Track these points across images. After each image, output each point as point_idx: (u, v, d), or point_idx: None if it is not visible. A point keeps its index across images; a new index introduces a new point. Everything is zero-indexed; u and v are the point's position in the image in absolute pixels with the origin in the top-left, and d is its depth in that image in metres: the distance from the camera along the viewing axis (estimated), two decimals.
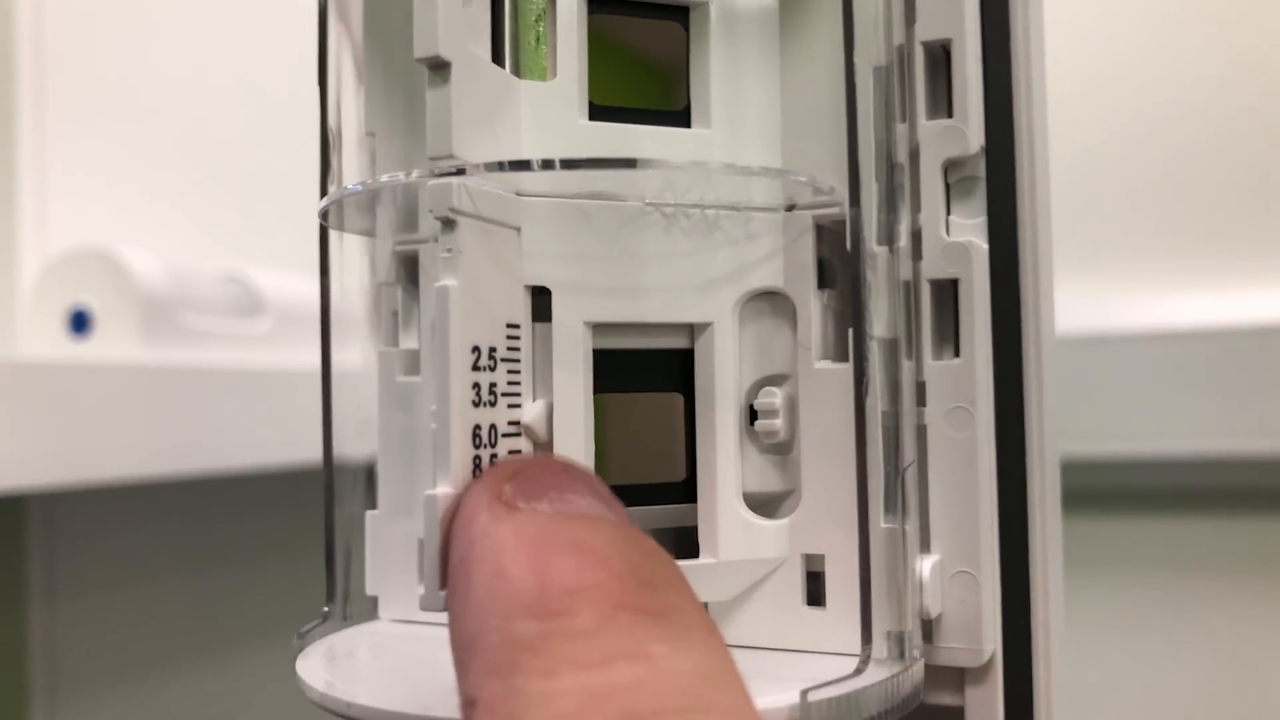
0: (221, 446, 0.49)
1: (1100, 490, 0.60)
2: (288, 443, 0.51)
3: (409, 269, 0.23)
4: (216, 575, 0.58)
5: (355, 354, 0.24)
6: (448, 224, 0.17)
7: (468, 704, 0.13)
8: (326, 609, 0.23)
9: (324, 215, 0.21)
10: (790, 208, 0.20)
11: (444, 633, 0.22)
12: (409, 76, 0.22)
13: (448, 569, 0.15)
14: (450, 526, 0.15)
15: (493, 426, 0.17)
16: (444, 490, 0.16)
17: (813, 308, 0.20)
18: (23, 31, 0.56)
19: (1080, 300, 0.58)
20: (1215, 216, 0.60)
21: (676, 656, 0.13)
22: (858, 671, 0.18)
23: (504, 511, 0.14)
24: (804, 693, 0.16)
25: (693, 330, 0.20)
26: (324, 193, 0.21)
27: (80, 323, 0.52)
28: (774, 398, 0.20)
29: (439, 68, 0.17)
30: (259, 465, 0.50)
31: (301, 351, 0.58)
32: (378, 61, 0.23)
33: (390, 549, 0.23)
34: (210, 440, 0.48)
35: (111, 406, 0.44)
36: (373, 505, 0.23)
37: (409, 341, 0.23)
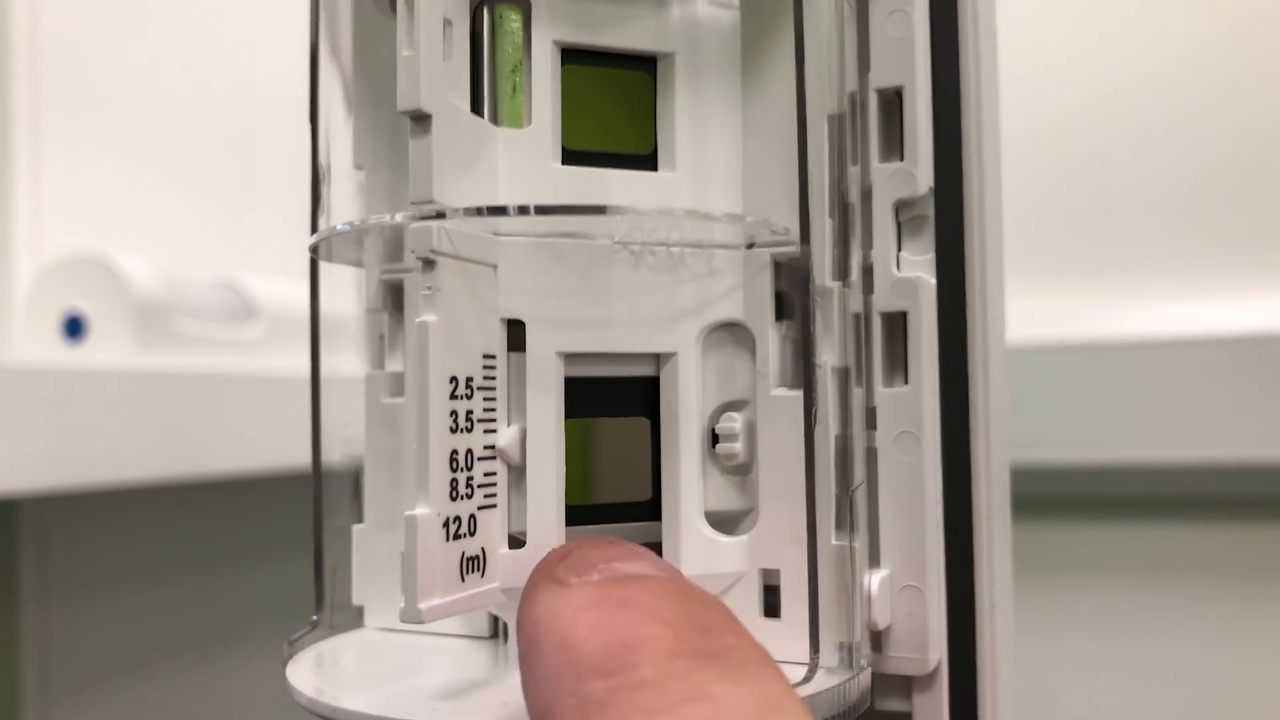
0: (214, 451, 0.50)
1: (1088, 497, 0.62)
2: (280, 448, 0.52)
3: (395, 296, 0.24)
4: (208, 579, 0.60)
5: (347, 363, 0.25)
6: (428, 264, 0.18)
7: None
8: (315, 617, 0.24)
9: (314, 249, 0.22)
10: (750, 245, 0.21)
11: (427, 640, 0.23)
12: (395, 113, 0.24)
13: (519, 659, 0.16)
14: (516, 619, 0.16)
15: (469, 451, 0.19)
16: (423, 511, 0.18)
17: (770, 338, 0.21)
18: (18, 35, 0.57)
19: (1068, 308, 0.59)
20: (1197, 224, 0.61)
21: (737, 693, 0.14)
22: (806, 679, 0.19)
23: (560, 589, 0.16)
24: None
25: (658, 359, 0.21)
26: (314, 226, 0.23)
27: (74, 328, 0.53)
28: (734, 422, 0.21)
29: (421, 119, 0.18)
30: (251, 470, 0.51)
31: (294, 357, 0.58)
32: (366, 99, 0.24)
33: (375, 561, 0.24)
34: (203, 445, 0.49)
35: (105, 411, 0.45)
36: (359, 519, 0.24)
37: (394, 365, 0.24)
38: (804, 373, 0.20)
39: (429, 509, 0.18)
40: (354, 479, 0.25)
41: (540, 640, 0.15)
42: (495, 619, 0.23)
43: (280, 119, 0.67)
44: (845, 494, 0.20)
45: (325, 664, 0.22)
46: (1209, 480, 0.60)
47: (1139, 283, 0.62)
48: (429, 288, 0.18)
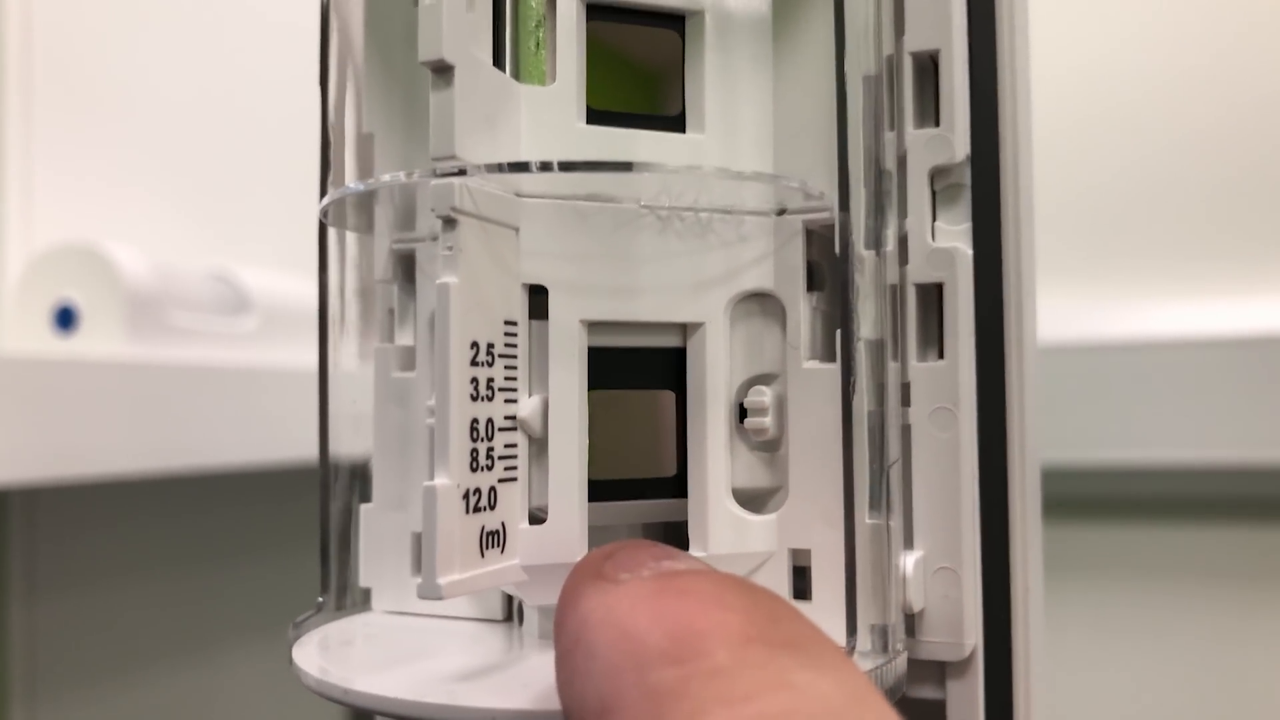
0: (206, 444, 0.49)
1: (1086, 498, 0.61)
2: (272, 441, 0.51)
3: (406, 267, 0.23)
4: (199, 572, 0.59)
5: (347, 351, 0.24)
6: (449, 222, 0.17)
7: None
8: (321, 600, 0.23)
9: (324, 213, 0.21)
10: (781, 212, 0.20)
11: (437, 623, 0.22)
12: (408, 78, 0.23)
13: (558, 659, 0.15)
14: (556, 619, 0.16)
15: (490, 420, 0.18)
16: (442, 481, 0.17)
17: (801, 309, 0.20)
18: (11, 25, 0.56)
19: (1066, 308, 0.59)
20: (1199, 226, 0.60)
21: (820, 682, 0.13)
22: None
23: (610, 585, 0.15)
24: None
25: (685, 329, 0.20)
26: (324, 191, 0.22)
27: (66, 318, 0.52)
28: (763, 396, 0.20)
29: (442, 71, 0.17)
30: (243, 463, 0.50)
31: (287, 350, 0.58)
32: (377, 63, 0.23)
33: (384, 541, 0.23)
34: (194, 437, 0.48)
35: (96, 403, 0.44)
36: (367, 498, 0.23)
37: (404, 338, 0.23)
38: (843, 345, 0.19)
39: (448, 479, 0.17)
40: (361, 461, 0.24)
41: (593, 636, 0.14)
42: (509, 600, 0.22)
43: (274, 110, 0.66)
44: (880, 471, 0.19)
45: (332, 646, 0.21)
46: (1205, 482, 0.59)
47: (1138, 283, 0.62)
48: (450, 248, 0.17)
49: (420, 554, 0.19)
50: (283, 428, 0.52)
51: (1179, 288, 0.60)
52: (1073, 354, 0.57)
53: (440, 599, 0.16)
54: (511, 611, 0.22)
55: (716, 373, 0.20)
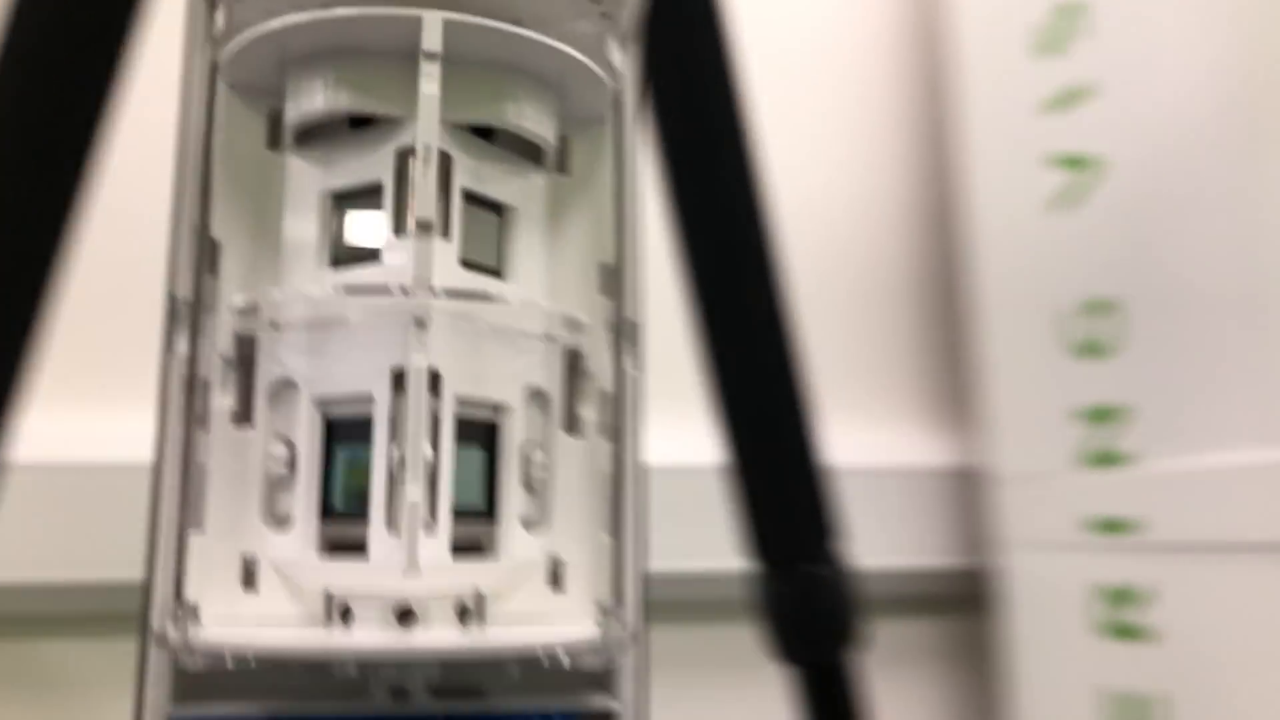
0: None
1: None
2: None
3: (243, 350, 0.30)
4: None
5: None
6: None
7: None
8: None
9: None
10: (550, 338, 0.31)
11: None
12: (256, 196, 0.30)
13: None
14: None
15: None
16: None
17: (557, 401, 0.31)
18: None
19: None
20: None
21: None
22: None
23: None
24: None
25: (496, 409, 0.30)
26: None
27: None
28: (538, 455, 0.31)
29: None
30: None
31: None
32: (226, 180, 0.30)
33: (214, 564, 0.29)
34: None
35: None
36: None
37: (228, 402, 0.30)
38: (614, 424, 0.31)
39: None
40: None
41: None
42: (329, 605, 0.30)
43: None
44: (616, 506, 0.31)
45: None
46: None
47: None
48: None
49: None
50: None
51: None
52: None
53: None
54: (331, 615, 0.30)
55: (514, 438, 0.30)
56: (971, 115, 0.95)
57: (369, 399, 0.28)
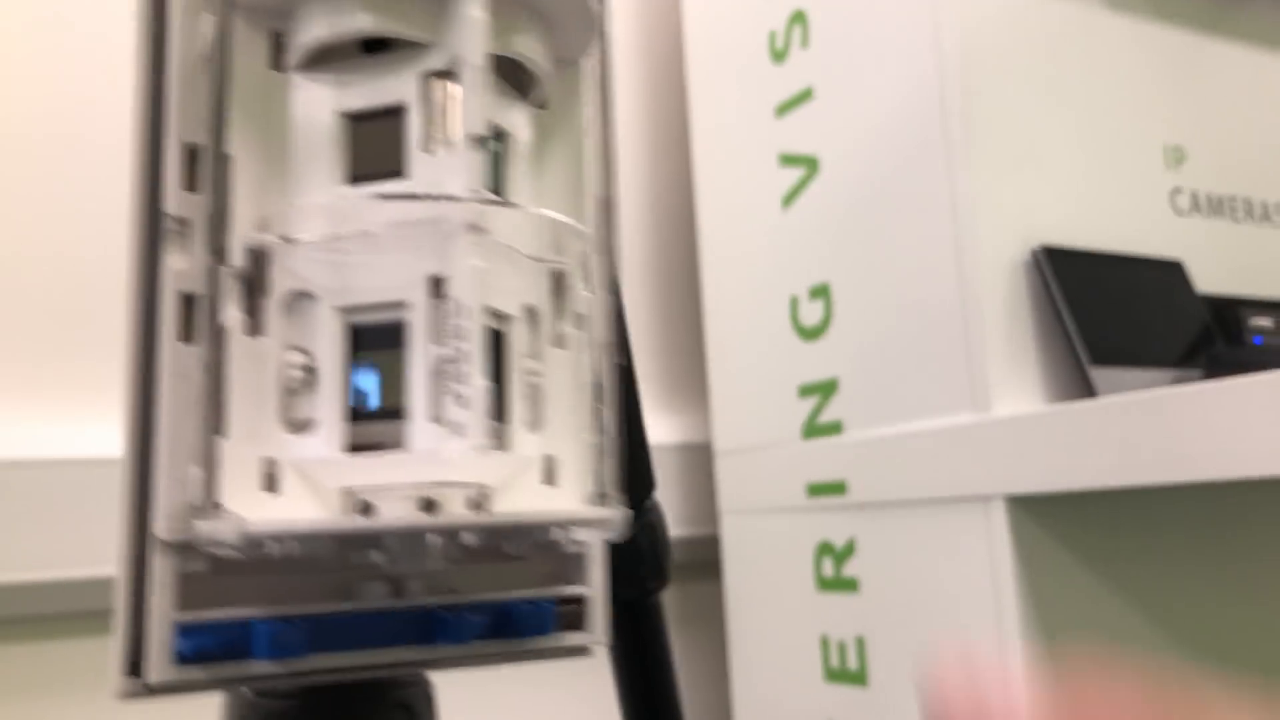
0: None
1: None
2: None
3: (257, 261, 0.31)
4: None
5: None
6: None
7: None
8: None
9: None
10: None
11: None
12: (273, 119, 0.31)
13: None
14: None
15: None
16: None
17: (547, 317, 0.34)
18: None
19: None
20: None
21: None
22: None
23: None
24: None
25: (502, 319, 0.33)
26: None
27: None
28: (539, 366, 0.34)
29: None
30: None
31: None
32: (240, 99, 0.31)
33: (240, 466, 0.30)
34: None
35: None
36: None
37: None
38: (616, 336, 0.34)
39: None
40: None
41: None
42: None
43: None
44: (599, 413, 0.34)
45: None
46: None
47: None
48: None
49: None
50: None
51: None
52: None
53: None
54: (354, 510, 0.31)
55: (517, 348, 0.33)
56: (710, 117, 1.03)
57: (399, 305, 0.30)
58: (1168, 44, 0.89)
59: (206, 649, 0.31)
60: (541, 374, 0.34)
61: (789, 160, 0.90)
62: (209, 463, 0.30)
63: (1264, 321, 0.85)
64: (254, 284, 0.31)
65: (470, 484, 0.31)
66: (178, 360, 0.31)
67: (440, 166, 0.30)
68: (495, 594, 0.34)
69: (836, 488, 0.86)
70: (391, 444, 0.31)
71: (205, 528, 0.29)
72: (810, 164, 0.88)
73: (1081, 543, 0.77)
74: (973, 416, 0.78)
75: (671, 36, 1.10)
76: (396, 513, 0.30)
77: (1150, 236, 0.84)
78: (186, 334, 0.31)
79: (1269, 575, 0.80)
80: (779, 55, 0.91)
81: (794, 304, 0.90)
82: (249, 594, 0.32)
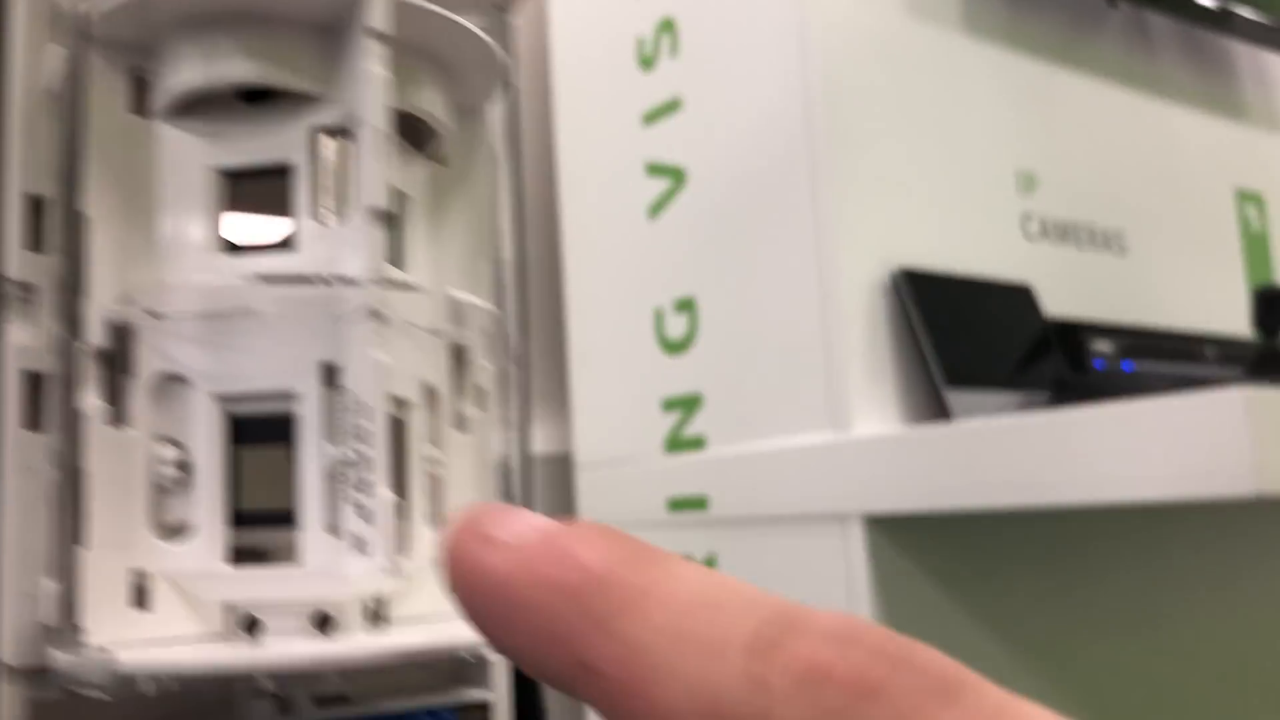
0: None
1: None
2: None
3: (120, 337, 0.27)
4: None
5: None
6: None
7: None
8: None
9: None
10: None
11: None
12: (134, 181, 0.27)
13: (479, 618, 0.19)
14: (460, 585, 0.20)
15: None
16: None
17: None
18: None
19: None
20: None
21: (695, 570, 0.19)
22: None
23: (505, 544, 0.19)
24: None
25: (401, 405, 0.29)
26: None
27: None
28: (434, 452, 0.30)
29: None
30: None
31: None
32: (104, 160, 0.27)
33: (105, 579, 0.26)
34: None
35: None
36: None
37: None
38: (507, 416, 0.31)
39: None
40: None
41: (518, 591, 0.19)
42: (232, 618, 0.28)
43: None
44: (503, 494, 0.32)
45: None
46: None
47: None
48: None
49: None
50: None
51: None
52: None
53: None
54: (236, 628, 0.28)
55: (418, 435, 0.30)
56: (576, 123, 1.00)
57: (287, 396, 0.27)
58: (1022, 72, 0.91)
59: None
60: (442, 463, 0.31)
61: (656, 170, 0.88)
62: (66, 575, 0.26)
63: (1104, 346, 0.88)
64: (117, 364, 0.27)
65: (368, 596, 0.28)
66: (22, 451, 0.26)
67: (333, 240, 0.27)
68: (391, 703, 0.31)
69: (698, 503, 0.84)
70: (280, 552, 0.27)
71: (64, 661, 0.25)
72: (677, 175, 0.87)
73: (937, 563, 0.78)
74: (832, 435, 0.78)
75: (537, 38, 1.06)
76: (287, 634, 0.27)
77: (1003, 261, 0.86)
78: (33, 420, 0.27)
79: (1113, 598, 0.83)
80: (647, 62, 0.89)
81: (659, 317, 0.89)
82: (110, 717, 0.28)
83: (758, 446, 0.80)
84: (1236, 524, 0.88)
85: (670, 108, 0.88)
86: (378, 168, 0.26)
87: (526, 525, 0.19)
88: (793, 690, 0.13)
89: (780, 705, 0.13)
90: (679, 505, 0.87)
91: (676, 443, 0.87)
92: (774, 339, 0.81)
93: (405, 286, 0.28)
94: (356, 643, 0.27)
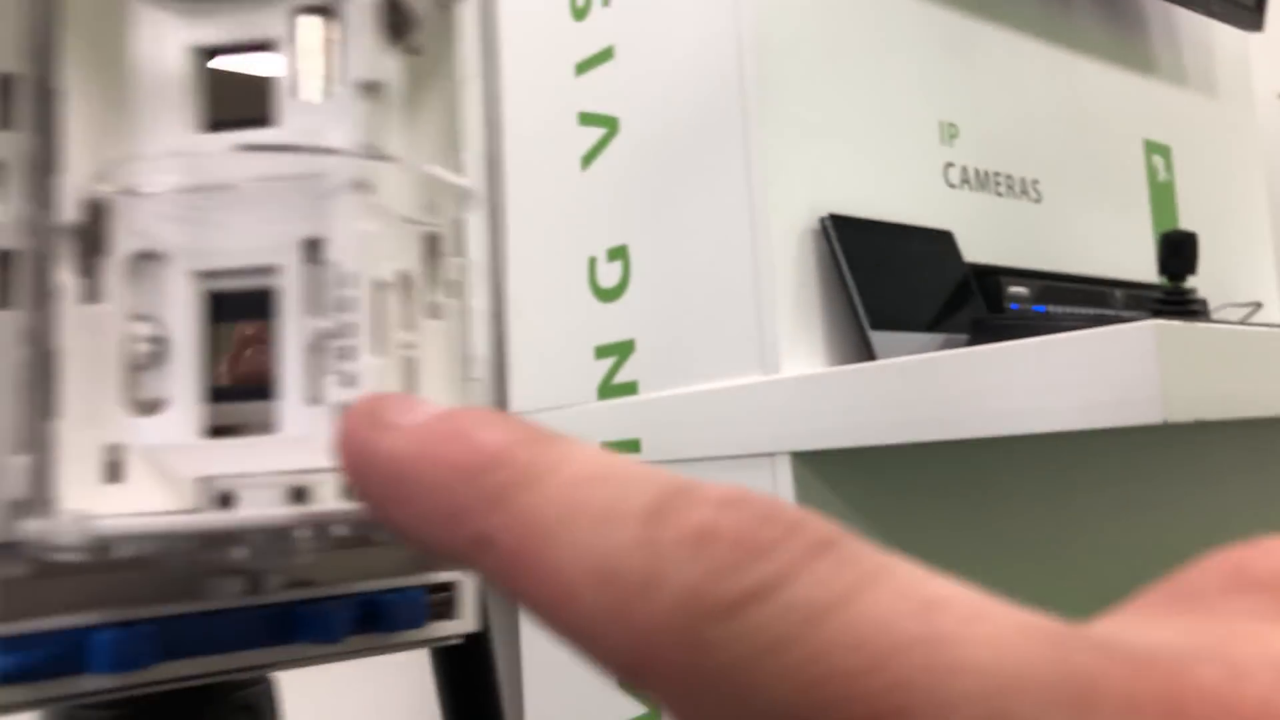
0: None
1: None
2: None
3: (96, 214, 0.27)
4: None
5: None
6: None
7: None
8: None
9: None
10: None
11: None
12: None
13: (376, 498, 0.19)
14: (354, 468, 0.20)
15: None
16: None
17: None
18: None
19: None
20: None
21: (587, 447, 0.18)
22: None
23: (399, 428, 0.19)
24: None
25: (379, 286, 0.30)
26: None
27: None
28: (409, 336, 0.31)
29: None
30: None
31: None
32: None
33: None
34: None
35: None
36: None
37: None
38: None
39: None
40: None
41: (414, 469, 0.18)
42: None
43: None
44: (472, 385, 0.32)
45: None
46: None
47: None
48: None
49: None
50: None
51: None
52: None
53: None
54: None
55: (393, 317, 0.30)
56: (516, 73, 1.00)
57: (267, 270, 0.27)
58: (946, 24, 0.93)
59: (32, 665, 0.26)
60: (416, 346, 0.31)
61: (589, 119, 0.88)
62: (38, 450, 0.26)
63: (1020, 290, 0.91)
64: (91, 242, 0.27)
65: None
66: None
67: (317, 114, 0.27)
68: (360, 585, 0.31)
69: (630, 446, 0.86)
70: (254, 426, 0.27)
71: (36, 527, 0.25)
72: (610, 124, 0.87)
73: (861, 497, 0.80)
74: (761, 377, 0.79)
75: None
76: (262, 504, 0.27)
77: (925, 207, 0.88)
78: (3, 298, 0.26)
79: (1027, 526, 0.87)
80: (580, 13, 0.89)
81: (592, 265, 0.89)
82: (80, 598, 0.28)
83: (688, 389, 0.81)
84: (1142, 452, 0.92)
85: (602, 57, 0.88)
86: (365, 42, 0.26)
87: (424, 411, 0.19)
88: (683, 551, 0.14)
89: (670, 565, 0.14)
90: (614, 450, 0.88)
91: (609, 389, 0.88)
92: (705, 285, 0.82)
93: (392, 159, 0.29)
94: (334, 505, 0.27)
